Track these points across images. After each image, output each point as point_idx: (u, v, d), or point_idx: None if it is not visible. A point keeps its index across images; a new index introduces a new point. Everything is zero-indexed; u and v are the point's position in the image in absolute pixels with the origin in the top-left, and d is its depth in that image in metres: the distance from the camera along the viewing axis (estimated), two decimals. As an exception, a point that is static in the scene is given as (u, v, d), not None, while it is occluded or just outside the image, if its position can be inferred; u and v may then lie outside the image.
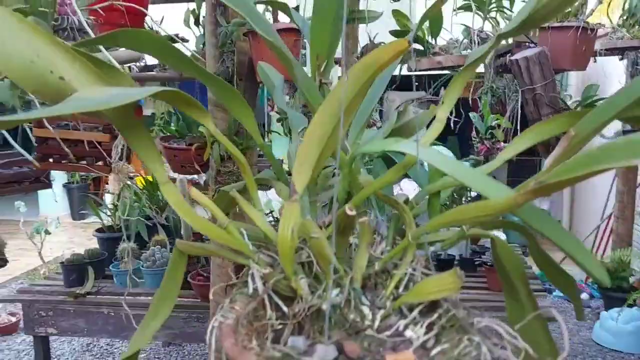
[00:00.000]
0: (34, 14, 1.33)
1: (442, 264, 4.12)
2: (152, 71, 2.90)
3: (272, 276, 0.77)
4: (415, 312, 0.76)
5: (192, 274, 3.28)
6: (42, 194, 8.39)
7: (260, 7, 2.65)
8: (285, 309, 0.78)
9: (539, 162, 8.40)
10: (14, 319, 5.04)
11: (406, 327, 0.75)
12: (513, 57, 2.10)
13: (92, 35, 1.37)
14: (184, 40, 3.86)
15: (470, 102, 4.33)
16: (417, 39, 3.67)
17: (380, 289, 0.83)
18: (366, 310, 0.78)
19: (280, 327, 0.78)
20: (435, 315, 0.75)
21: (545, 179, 0.67)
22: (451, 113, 4.75)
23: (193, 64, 0.91)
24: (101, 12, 1.47)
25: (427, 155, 0.75)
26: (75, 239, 8.13)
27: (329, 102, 0.83)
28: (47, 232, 5.27)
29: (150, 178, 4.77)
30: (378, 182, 0.85)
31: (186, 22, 2.67)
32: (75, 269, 3.75)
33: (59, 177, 8.45)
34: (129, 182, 3.82)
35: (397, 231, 0.95)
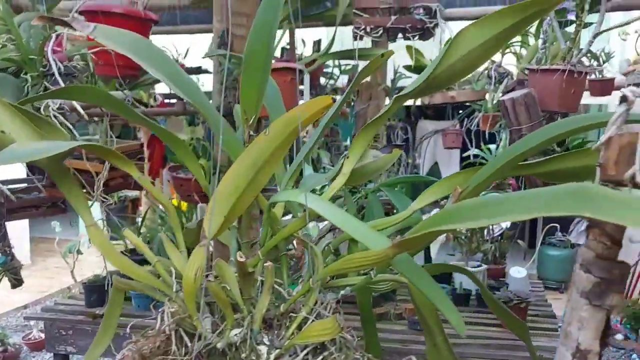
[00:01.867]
0: (23, 61, 1.47)
1: (459, 298, 4.06)
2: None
3: (178, 314, 0.85)
4: (302, 354, 0.81)
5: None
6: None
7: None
8: (189, 344, 0.85)
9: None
10: (43, 336, 5.26)
11: (294, 367, 0.80)
12: (501, 98, 2.12)
13: (81, 78, 1.51)
14: (206, 71, 4.03)
15: (487, 135, 4.32)
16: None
17: (284, 328, 0.89)
18: (263, 349, 0.84)
19: (183, 361, 0.84)
20: (320, 357, 0.80)
21: (407, 235, 0.72)
22: (472, 145, 4.72)
23: (137, 115, 1.00)
24: (94, 56, 1.61)
25: (318, 208, 0.81)
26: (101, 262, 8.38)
27: (246, 155, 0.91)
28: (80, 252, 5.48)
29: (175, 202, 4.93)
30: (287, 229, 0.92)
31: (208, 55, 2.81)
32: (95, 290, 3.89)
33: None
34: (158, 206, 3.97)
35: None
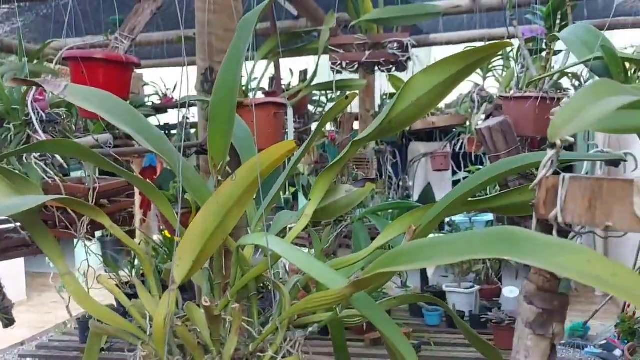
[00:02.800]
0: (7, 111, 1.53)
1: (452, 320, 4.08)
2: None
3: (150, 358, 0.88)
4: (269, 392, 0.85)
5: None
6: (80, 248, 8.70)
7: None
8: (161, 387, 0.88)
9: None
10: (39, 372, 5.23)
11: (261, 406, 0.84)
12: (477, 127, 2.19)
13: (63, 125, 1.56)
14: (194, 105, 4.10)
15: (473, 157, 4.39)
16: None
17: (254, 368, 0.93)
18: (232, 389, 0.88)
19: (156, 403, 0.88)
20: (286, 395, 0.84)
21: (361, 275, 0.77)
22: (461, 166, 4.78)
23: (110, 164, 1.05)
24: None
25: (279, 249, 0.86)
26: (105, 292, 8.37)
27: (213, 200, 0.95)
28: (74, 287, 5.46)
29: (167, 234, 4.96)
30: (254, 271, 0.96)
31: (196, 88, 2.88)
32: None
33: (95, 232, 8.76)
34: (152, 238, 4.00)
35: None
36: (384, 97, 4.67)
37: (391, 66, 2.27)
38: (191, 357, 0.91)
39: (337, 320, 1.12)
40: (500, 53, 3.45)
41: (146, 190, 1.09)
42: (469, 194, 0.89)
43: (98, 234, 9.92)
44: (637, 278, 0.52)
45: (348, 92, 1.17)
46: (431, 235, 1.07)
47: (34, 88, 1.39)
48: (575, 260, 0.55)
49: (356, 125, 4.86)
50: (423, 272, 5.83)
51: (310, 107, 4.21)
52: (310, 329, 1.00)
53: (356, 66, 2.24)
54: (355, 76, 3.45)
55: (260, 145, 1.44)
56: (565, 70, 2.34)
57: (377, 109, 4.85)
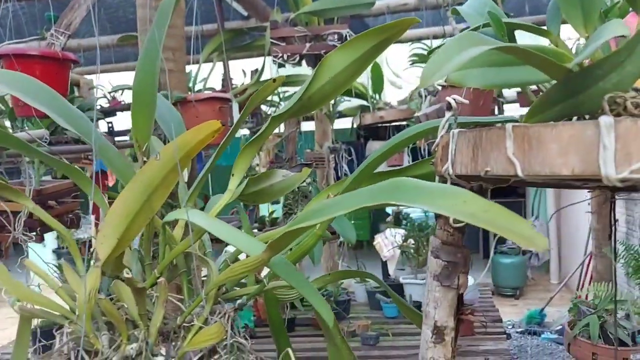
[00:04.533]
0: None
1: (410, 311, 4.15)
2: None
3: (75, 334, 0.89)
4: (195, 359, 0.87)
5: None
6: (32, 258, 8.46)
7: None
8: (88, 361, 0.89)
9: (524, 204, 8.49)
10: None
11: (187, 373, 0.86)
12: (416, 114, 2.26)
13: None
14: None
15: (424, 151, 4.50)
16: (361, 96, 3.87)
17: (181, 339, 0.95)
18: (160, 359, 0.90)
19: (83, 379, 0.89)
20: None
21: (271, 238, 0.80)
22: (411, 162, 4.89)
23: (31, 149, 1.05)
24: (13, 99, 1.65)
25: (200, 222, 0.88)
26: (61, 302, 8.16)
27: (136, 181, 0.96)
28: (28, 300, 5.32)
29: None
30: (179, 247, 0.98)
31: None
32: (47, 336, 3.81)
33: (49, 243, 8.56)
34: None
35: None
36: (339, 98, 4.73)
37: (331, 58, 2.32)
38: (119, 332, 0.92)
39: (271, 296, 1.15)
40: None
41: (76, 177, 1.10)
42: (375, 163, 0.93)
43: (54, 245, 9.62)
44: (504, 212, 0.57)
45: (276, 76, 1.20)
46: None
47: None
48: (453, 201, 0.60)
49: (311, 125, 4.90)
50: (384, 266, 5.92)
51: (264, 107, 4.23)
52: (239, 301, 1.02)
53: (297, 58, 2.28)
54: (306, 70, 3.49)
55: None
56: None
57: (330, 108, 4.90)
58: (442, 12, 2.40)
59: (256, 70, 3.82)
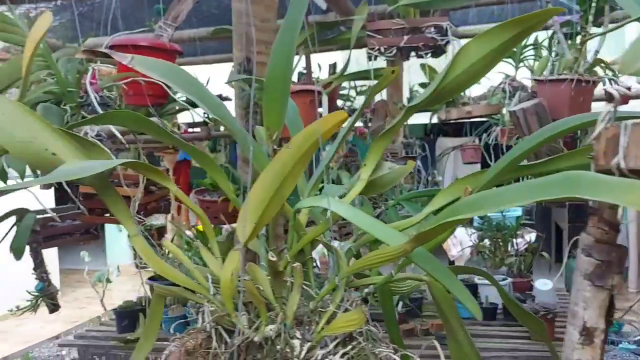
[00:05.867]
0: (63, 93, 1.59)
1: (486, 312, 4.05)
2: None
3: (217, 312, 0.93)
4: (332, 345, 0.89)
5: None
6: (110, 244, 8.91)
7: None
8: (228, 340, 0.93)
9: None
10: (75, 364, 5.36)
11: (324, 357, 0.88)
12: (511, 109, 2.19)
13: (113, 108, 1.63)
14: (227, 99, 4.19)
15: (504, 148, 4.37)
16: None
17: (315, 324, 0.97)
18: (296, 343, 0.92)
19: (223, 356, 0.92)
20: (349, 347, 0.87)
21: (423, 229, 0.80)
22: (490, 159, 4.77)
23: (168, 134, 1.10)
24: (125, 87, 1.72)
25: (340, 210, 0.90)
26: (138, 286, 8.55)
27: (271, 168, 0.99)
28: (109, 281, 5.61)
29: (201, 228, 5.03)
30: (312, 233, 1.00)
31: (231, 80, 2.94)
32: (127, 315, 4.00)
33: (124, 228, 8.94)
34: (185, 232, 4.09)
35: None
36: (414, 90, 4.68)
37: (429, 51, 2.29)
38: (256, 312, 0.95)
39: (387, 288, 1.15)
40: (532, 42, 3.44)
41: (208, 164, 1.14)
42: (520, 157, 0.91)
43: (129, 231, 9.99)
44: None
45: (392, 67, 1.20)
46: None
47: (91, 71, 1.45)
48: (643, 196, 0.57)
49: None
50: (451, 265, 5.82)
51: (339, 102, 4.24)
52: (366, 290, 1.03)
53: (394, 51, 2.27)
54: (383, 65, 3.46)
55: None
56: (598, 59, 2.34)
57: (405, 102, 4.85)
58: (542, 2, 2.32)
59: (334, 64, 3.83)
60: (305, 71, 3.49)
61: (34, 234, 2.62)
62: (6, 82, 1.52)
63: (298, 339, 0.93)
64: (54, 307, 2.86)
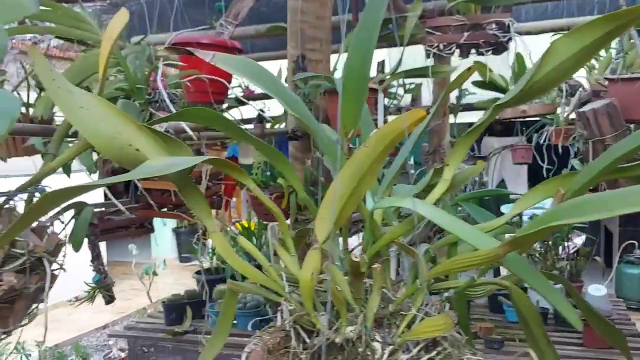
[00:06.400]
0: (132, 90, 1.62)
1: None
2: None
3: (296, 312, 0.92)
4: (415, 350, 0.86)
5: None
6: (155, 238, 9.12)
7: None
8: (307, 340, 0.92)
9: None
10: (122, 354, 5.49)
11: (408, 361, 0.86)
12: (581, 110, 2.11)
13: (178, 105, 1.65)
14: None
15: (560, 149, 4.24)
16: (500, 89, 3.71)
17: (394, 327, 0.95)
18: (377, 345, 0.90)
19: (303, 356, 0.91)
20: (434, 352, 0.85)
21: (516, 234, 0.77)
22: (544, 160, 4.63)
23: (241, 130, 1.09)
24: (189, 84, 1.74)
25: (425, 212, 0.87)
26: (181, 280, 8.71)
27: (349, 165, 0.97)
28: (155, 274, 5.72)
29: (245, 224, 5.09)
30: (389, 234, 0.98)
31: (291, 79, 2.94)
32: (174, 309, 4.07)
33: (169, 222, 9.15)
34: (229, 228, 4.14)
35: (416, 277, 1.05)
36: (464, 90, 4.59)
37: (490, 48, 2.24)
38: (335, 312, 0.94)
39: (462, 293, 1.12)
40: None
41: (277, 160, 1.13)
42: (621, 158, 0.86)
43: (172, 225, 10.23)
44: None
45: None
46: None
47: (161, 68, 1.47)
48: None
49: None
50: (496, 271, 5.70)
51: (385, 100, 4.20)
52: (446, 294, 1.00)
53: (453, 48, 2.22)
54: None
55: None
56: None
57: (454, 102, 4.76)
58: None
59: (382, 62, 3.79)
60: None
61: (92, 227, 2.69)
62: (77, 79, 1.55)
63: (379, 342, 0.91)
64: (110, 299, 2.92)
